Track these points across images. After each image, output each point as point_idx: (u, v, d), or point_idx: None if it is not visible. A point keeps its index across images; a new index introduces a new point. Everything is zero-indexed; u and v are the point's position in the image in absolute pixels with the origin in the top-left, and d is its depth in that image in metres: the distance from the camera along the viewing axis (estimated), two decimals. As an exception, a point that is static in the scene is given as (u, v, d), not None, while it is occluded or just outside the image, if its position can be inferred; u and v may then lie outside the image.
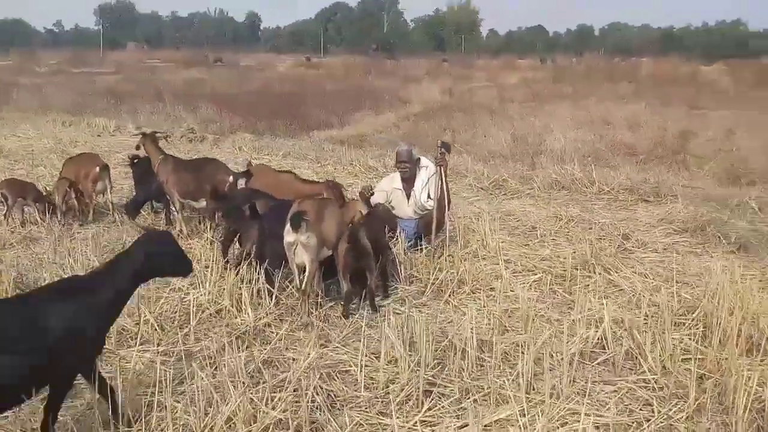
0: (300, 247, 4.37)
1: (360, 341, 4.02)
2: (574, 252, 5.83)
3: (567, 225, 6.93)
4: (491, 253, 5.78)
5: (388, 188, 5.90)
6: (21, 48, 53.98)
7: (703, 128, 15.98)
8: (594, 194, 8.39)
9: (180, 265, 3.27)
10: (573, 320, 4.33)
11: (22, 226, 6.81)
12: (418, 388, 3.49)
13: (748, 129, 15.04)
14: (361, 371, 3.71)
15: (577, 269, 5.44)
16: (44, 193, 7.08)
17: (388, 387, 3.60)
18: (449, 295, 4.87)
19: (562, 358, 3.69)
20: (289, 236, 4.38)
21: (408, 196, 5.84)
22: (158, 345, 4.08)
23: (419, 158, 5.81)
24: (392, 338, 3.87)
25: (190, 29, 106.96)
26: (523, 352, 3.76)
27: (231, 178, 6.37)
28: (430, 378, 3.64)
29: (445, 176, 5.59)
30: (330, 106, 19.47)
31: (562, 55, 56.99)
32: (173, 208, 6.77)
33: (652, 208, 7.74)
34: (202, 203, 6.45)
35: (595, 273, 5.33)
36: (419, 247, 5.61)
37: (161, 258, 3.12)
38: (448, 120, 18.00)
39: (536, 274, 5.36)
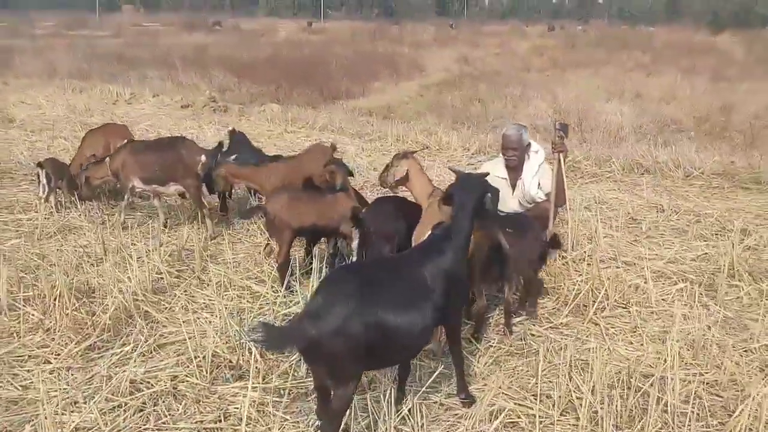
0: None
1: (512, 377, 3.28)
2: (705, 254, 5.07)
3: (671, 217, 6.16)
4: (608, 254, 5.03)
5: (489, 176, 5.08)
6: (14, 9, 51.95)
7: (740, 102, 15.09)
8: (681, 179, 7.60)
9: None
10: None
11: (57, 211, 5.99)
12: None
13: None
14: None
15: (715, 275, 4.69)
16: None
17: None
18: (594, 313, 4.10)
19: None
20: None
21: (513, 187, 5.04)
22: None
23: (530, 143, 4.99)
24: (562, 377, 3.12)
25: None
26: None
27: (203, 158, 5.58)
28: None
29: (564, 165, 4.79)
30: (348, 74, 18.48)
31: (566, 22, 55.71)
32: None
33: (755, 197, 6.95)
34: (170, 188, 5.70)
35: (742, 281, 4.58)
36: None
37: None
38: (473, 90, 17.09)
39: (675, 283, 4.61)
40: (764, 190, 7.14)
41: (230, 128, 6.93)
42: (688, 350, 3.64)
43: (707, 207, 6.56)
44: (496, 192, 3.37)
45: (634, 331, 3.93)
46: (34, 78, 16.70)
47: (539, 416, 3.02)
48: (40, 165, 6.18)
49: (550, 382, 3.33)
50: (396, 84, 18.78)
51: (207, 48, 25.71)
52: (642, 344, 3.78)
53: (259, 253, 5.08)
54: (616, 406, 3.00)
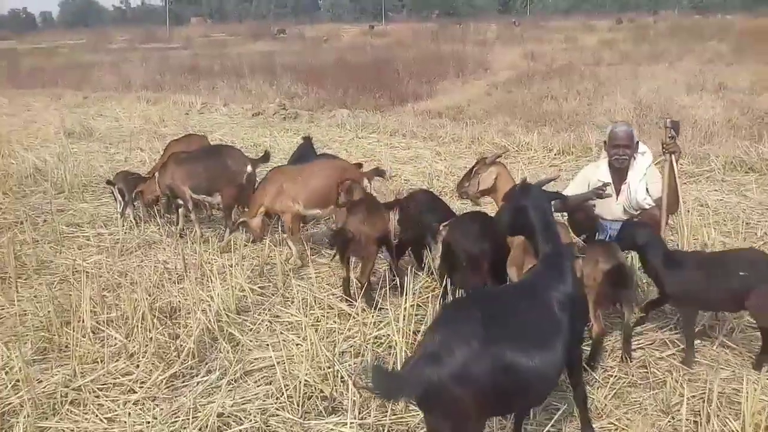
0: None
1: (638, 412, 2.85)
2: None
3: (792, 220, 5.53)
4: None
5: (590, 180, 4.65)
6: (92, 27, 54.44)
7: None
8: (790, 178, 6.89)
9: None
10: None
11: (137, 225, 5.93)
12: None
13: None
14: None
15: None
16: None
17: None
18: (724, 335, 3.62)
19: None
20: None
21: (618, 192, 4.59)
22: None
23: (638, 141, 4.53)
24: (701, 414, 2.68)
25: (251, 1, 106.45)
26: None
27: (249, 168, 5.37)
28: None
29: (677, 167, 4.30)
30: (413, 76, 18.18)
31: (635, 14, 53.60)
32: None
33: None
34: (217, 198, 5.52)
35: None
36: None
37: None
38: (544, 87, 16.45)
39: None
40: None
41: (304, 135, 6.74)
42: None
43: (830, 209, 5.88)
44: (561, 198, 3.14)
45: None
46: (111, 91, 17.22)
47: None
48: (109, 183, 6.16)
49: (687, 420, 2.89)
50: (462, 84, 18.37)
51: (273, 55, 26.00)
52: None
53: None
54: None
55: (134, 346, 3.65)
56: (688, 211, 5.69)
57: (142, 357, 3.56)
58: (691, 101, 12.93)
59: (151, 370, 3.44)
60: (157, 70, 20.88)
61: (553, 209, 2.99)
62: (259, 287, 4.49)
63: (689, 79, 15.98)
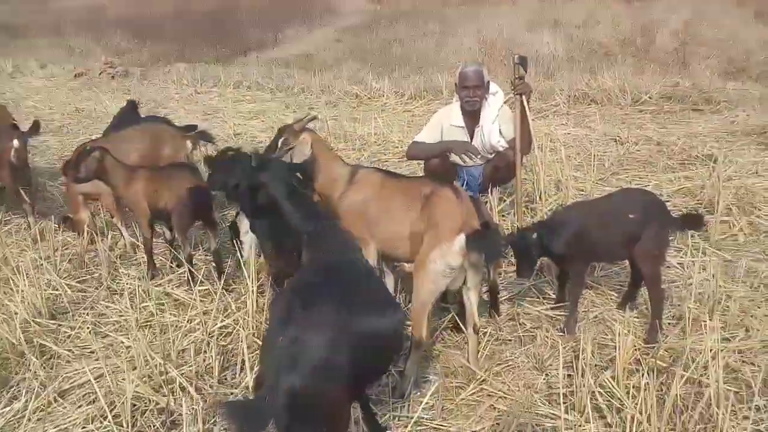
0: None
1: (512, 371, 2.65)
2: (682, 188, 4.62)
3: (632, 149, 5.68)
4: (580, 199, 4.48)
5: (443, 125, 4.39)
6: None
7: (659, 22, 14.79)
8: (630, 106, 7.15)
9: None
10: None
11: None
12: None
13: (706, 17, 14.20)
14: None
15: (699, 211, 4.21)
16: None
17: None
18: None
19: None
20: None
21: (472, 135, 4.36)
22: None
23: (488, 81, 4.29)
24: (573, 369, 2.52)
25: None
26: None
27: (16, 142, 4.42)
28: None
29: (528, 107, 4.11)
30: (256, 24, 17.16)
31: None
32: None
33: (709, 118, 6.57)
34: None
35: (731, 216, 4.15)
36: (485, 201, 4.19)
37: None
38: (392, 31, 16.22)
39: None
40: (716, 110, 6.79)
41: (129, 99, 5.86)
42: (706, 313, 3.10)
43: (666, 134, 6.12)
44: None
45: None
46: None
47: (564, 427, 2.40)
48: None
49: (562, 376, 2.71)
50: (310, 31, 17.63)
51: (103, 10, 23.41)
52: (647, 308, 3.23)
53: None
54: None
55: None
56: (540, 147, 5.69)
57: None
58: (534, 38, 13.21)
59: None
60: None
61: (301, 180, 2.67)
62: (78, 282, 3.80)
63: (531, 16, 16.40)
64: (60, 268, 3.89)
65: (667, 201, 4.46)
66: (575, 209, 3.36)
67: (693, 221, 3.07)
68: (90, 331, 3.25)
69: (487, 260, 2.66)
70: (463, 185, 4.38)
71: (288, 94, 8.96)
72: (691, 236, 3.77)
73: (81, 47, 14.94)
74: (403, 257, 3.00)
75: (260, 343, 2.73)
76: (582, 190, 4.80)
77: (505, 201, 4.51)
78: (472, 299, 2.71)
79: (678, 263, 3.67)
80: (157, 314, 3.35)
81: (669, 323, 3.09)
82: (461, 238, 2.52)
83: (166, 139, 4.30)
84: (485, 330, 3.08)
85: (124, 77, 11.09)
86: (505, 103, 4.34)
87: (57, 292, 3.62)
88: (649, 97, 7.19)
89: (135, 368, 2.83)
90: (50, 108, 8.93)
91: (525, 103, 4.06)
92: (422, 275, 2.61)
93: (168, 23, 17.39)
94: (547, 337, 3.01)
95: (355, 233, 2.77)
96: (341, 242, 2.32)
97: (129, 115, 5.17)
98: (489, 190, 4.33)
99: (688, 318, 2.98)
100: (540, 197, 4.44)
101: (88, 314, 3.44)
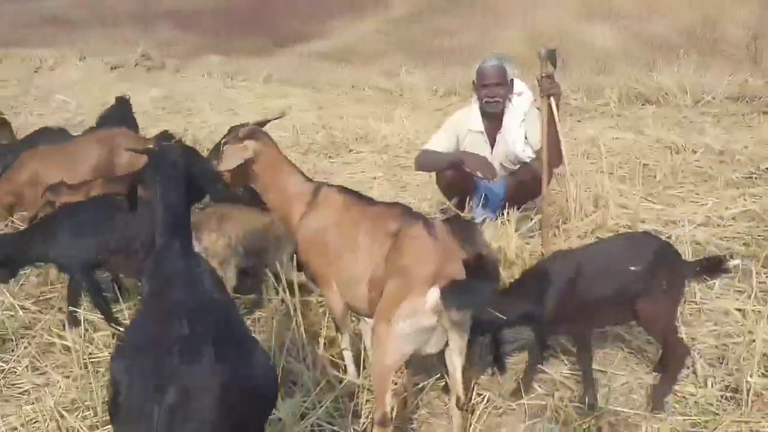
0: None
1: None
2: (745, 210, 3.88)
3: (691, 158, 4.92)
4: (623, 221, 3.81)
5: (459, 130, 3.79)
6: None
7: (726, 13, 13.52)
8: (690, 108, 6.33)
9: None
10: None
11: None
12: None
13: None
14: None
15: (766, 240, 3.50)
16: None
17: None
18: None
19: None
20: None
21: (493, 143, 3.75)
22: None
23: (512, 80, 3.66)
24: None
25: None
26: None
27: None
28: None
29: (558, 111, 3.45)
30: (298, 15, 16.75)
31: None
32: None
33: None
34: None
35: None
36: (506, 219, 3.52)
37: None
38: (443, 21, 15.57)
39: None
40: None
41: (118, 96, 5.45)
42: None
43: (730, 141, 5.31)
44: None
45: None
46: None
47: None
48: None
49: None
50: (353, 21, 17.12)
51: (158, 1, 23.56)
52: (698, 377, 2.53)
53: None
54: None
55: None
56: (575, 155, 5.00)
57: None
58: (589, 30, 12.35)
59: None
60: (10, 23, 18.35)
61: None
62: (34, 303, 3.38)
63: (582, 8, 15.41)
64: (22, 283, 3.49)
65: (728, 226, 3.75)
66: (559, 260, 2.57)
67: (711, 267, 2.39)
68: (27, 367, 2.82)
69: (474, 313, 2.05)
70: (479, 202, 3.77)
71: (317, 89, 8.48)
72: (756, 275, 3.05)
73: (125, 39, 14.88)
74: (362, 310, 2.32)
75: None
76: (625, 208, 4.10)
77: (531, 220, 3.83)
78: (455, 364, 2.10)
79: (737, 309, 2.94)
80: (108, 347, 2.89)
81: (723, 395, 2.41)
82: (434, 292, 1.91)
83: (126, 144, 3.81)
84: (482, 395, 2.47)
85: (161, 69, 10.88)
86: (533, 104, 3.71)
87: (10, 313, 3.22)
88: (713, 98, 6.35)
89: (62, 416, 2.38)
90: (78, 104, 8.70)
91: (553, 106, 3.40)
92: (384, 336, 2.00)
93: (210, 14, 17.22)
94: (560, 409, 2.36)
95: (314, 270, 2.22)
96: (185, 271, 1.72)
97: (118, 114, 4.78)
98: (512, 207, 3.67)
99: (747, 391, 2.30)
100: (574, 215, 3.78)
101: (31, 344, 3.01)
